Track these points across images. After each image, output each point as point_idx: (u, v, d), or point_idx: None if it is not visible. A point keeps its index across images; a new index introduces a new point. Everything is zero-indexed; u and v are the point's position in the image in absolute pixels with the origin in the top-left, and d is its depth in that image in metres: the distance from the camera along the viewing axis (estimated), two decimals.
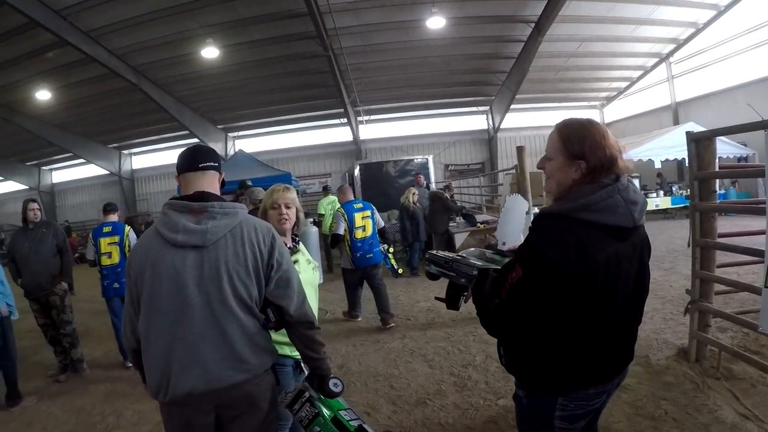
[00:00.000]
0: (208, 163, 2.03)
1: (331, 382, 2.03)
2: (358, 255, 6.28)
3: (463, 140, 24.89)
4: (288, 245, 2.58)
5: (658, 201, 15.15)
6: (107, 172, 26.18)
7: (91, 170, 26.86)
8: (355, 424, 1.99)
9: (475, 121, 24.81)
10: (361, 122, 23.11)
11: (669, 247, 10.03)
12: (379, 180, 14.56)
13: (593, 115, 24.22)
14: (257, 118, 23.83)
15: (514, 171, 11.09)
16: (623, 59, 20.15)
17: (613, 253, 1.59)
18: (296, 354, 2.38)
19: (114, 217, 5.94)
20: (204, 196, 1.95)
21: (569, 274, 1.53)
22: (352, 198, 6.77)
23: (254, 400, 1.95)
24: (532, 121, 24.17)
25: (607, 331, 1.68)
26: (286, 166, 17.16)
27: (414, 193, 9.65)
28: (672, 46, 19.22)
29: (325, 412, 2.01)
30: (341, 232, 6.27)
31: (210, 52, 15.37)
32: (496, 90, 21.61)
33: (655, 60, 20.35)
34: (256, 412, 1.96)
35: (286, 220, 2.60)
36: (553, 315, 1.58)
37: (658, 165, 14.95)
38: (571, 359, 1.65)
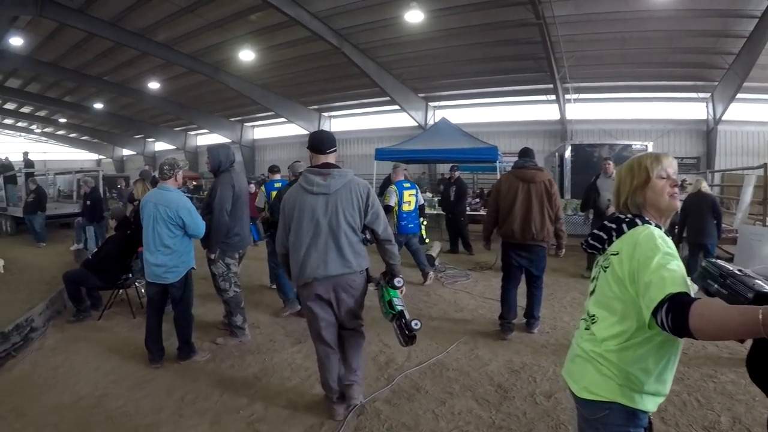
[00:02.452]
0: (330, 149, 3.42)
1: (395, 280, 3.43)
2: (403, 224, 7.61)
3: (677, 130, 20.99)
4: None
5: None
6: (306, 132, 27.59)
7: (291, 129, 28.84)
8: (399, 308, 3.31)
9: (693, 109, 20.78)
10: (569, 100, 20.60)
11: None
12: (592, 164, 12.58)
13: None
14: (459, 88, 22.76)
15: (762, 171, 8.89)
16: None
17: None
18: (651, 408, 1.77)
19: (278, 176, 7.41)
20: (328, 166, 3.35)
21: None
22: (403, 178, 7.94)
23: (352, 286, 3.37)
24: (756, 114, 19.77)
25: None
26: (484, 140, 15.91)
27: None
28: None
29: (386, 296, 3.41)
30: (392, 203, 7.50)
31: (414, 15, 14.55)
32: (720, 75, 17.67)
33: None
34: (353, 293, 3.39)
35: (677, 196, 1.86)
36: None
37: None
38: None
